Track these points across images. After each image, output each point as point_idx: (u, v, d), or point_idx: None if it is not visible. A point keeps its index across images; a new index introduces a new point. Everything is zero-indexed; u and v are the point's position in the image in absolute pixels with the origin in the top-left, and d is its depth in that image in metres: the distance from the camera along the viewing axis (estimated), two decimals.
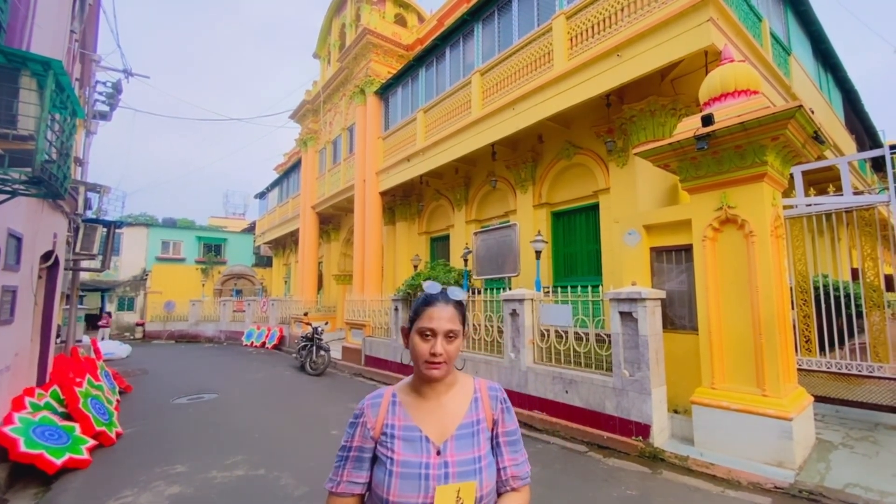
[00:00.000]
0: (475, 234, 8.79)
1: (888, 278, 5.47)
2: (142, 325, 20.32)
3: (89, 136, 9.56)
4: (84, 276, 17.54)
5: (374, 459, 1.13)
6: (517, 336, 6.01)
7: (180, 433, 5.55)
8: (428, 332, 1.13)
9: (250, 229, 29.52)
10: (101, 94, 10.12)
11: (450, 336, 1.13)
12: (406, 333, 1.20)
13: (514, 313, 6.04)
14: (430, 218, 12.59)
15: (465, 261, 8.88)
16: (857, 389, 5.14)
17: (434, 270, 8.18)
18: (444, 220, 11.93)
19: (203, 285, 24.60)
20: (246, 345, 16.04)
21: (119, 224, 8.76)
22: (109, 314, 20.75)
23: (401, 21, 14.38)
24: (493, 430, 1.19)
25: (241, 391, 8.10)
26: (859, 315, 5.31)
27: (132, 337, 20.00)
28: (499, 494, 1.16)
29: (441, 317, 1.13)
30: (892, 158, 4.98)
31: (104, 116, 10.17)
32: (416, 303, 1.21)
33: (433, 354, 1.11)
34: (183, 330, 19.12)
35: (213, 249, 27.29)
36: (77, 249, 7.41)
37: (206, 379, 9.37)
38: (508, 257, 7.85)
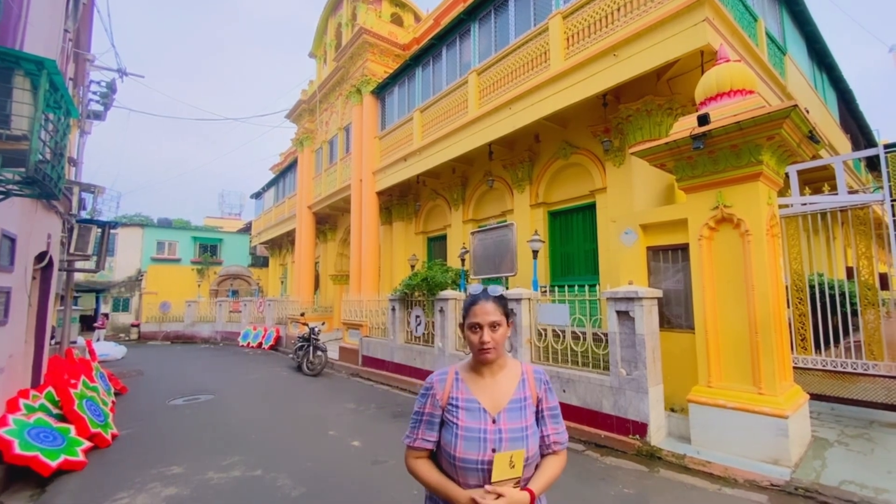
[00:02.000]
0: (472, 233, 8.79)
1: (883, 277, 5.50)
2: (137, 325, 20.23)
3: (83, 136, 9.49)
4: (78, 276, 17.43)
5: (442, 423, 1.40)
6: (514, 335, 6.01)
7: (176, 434, 5.53)
8: (476, 327, 1.39)
9: (246, 229, 29.40)
10: (95, 93, 10.05)
11: (494, 326, 1.39)
12: (462, 328, 1.48)
13: (511, 312, 6.03)
14: (427, 218, 12.58)
15: (463, 260, 8.88)
16: (852, 387, 5.18)
17: (431, 270, 8.16)
18: (441, 219, 11.92)
19: (199, 286, 24.50)
20: (242, 345, 15.98)
21: (114, 224, 8.70)
22: (106, 315, 20.67)
23: (397, 20, 14.35)
24: (538, 405, 1.45)
25: (238, 392, 8.07)
26: (854, 313, 5.33)
27: (127, 338, 19.89)
28: (542, 456, 1.44)
29: (485, 311, 1.39)
30: (886, 158, 5.01)
31: (98, 116, 10.10)
32: (464, 304, 1.48)
33: (482, 342, 1.37)
34: (179, 331, 19.04)
35: (208, 250, 27.17)
36: (71, 250, 7.35)
37: (203, 380, 9.33)
38: (505, 257, 7.86)
